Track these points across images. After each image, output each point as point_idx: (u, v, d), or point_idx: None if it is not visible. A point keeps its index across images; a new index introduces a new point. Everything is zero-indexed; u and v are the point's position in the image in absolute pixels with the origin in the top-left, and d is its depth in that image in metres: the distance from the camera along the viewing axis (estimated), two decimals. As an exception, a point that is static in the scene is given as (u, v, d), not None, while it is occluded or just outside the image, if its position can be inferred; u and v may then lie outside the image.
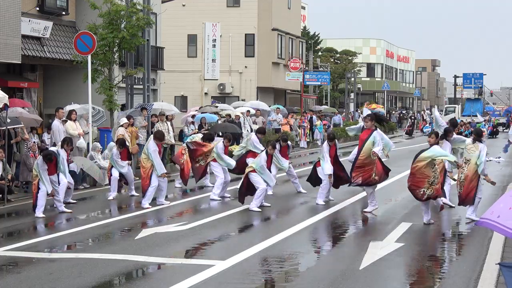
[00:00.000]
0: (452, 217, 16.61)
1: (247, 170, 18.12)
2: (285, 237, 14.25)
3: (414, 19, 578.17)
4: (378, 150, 16.70)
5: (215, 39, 47.97)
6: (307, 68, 63.82)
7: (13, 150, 21.52)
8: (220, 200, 19.41)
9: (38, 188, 17.18)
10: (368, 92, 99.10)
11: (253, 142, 20.87)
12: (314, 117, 46.83)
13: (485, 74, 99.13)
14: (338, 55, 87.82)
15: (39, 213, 16.98)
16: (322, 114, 56.12)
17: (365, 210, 17.27)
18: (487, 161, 32.41)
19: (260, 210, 17.49)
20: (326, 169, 18.44)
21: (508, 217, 6.41)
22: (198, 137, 22.14)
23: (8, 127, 20.73)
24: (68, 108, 24.81)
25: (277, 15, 56.33)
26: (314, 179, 19.53)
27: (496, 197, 20.03)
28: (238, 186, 21.45)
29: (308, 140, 44.13)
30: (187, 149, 20.97)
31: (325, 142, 19.11)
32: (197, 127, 30.89)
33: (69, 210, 17.63)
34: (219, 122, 34.55)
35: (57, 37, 31.71)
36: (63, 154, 18.04)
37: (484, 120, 71.34)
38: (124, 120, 25.08)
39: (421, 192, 15.28)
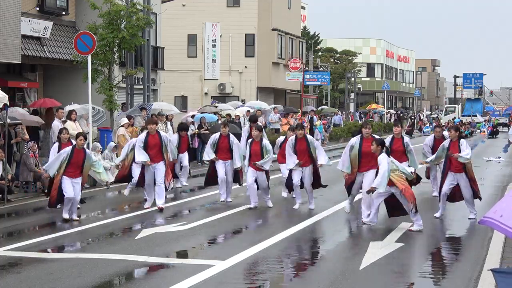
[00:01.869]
0: (452, 217, 16.61)
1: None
2: (284, 237, 14.25)
3: (414, 19, 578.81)
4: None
5: (215, 39, 47.96)
6: (307, 68, 63.79)
7: (13, 150, 21.52)
8: (224, 200, 19.02)
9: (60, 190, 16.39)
10: (368, 92, 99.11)
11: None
12: (315, 117, 46.81)
13: (485, 74, 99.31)
14: (338, 55, 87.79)
15: (66, 214, 16.25)
16: (322, 114, 56.10)
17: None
18: (487, 161, 32.57)
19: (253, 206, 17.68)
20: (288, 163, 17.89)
21: (510, 217, 6.39)
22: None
23: (9, 122, 20.72)
24: (68, 108, 24.81)
25: (277, 15, 56.31)
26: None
27: (496, 197, 20.04)
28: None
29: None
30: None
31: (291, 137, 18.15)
32: (197, 127, 30.88)
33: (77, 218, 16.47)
34: (219, 122, 34.52)
35: (57, 37, 31.73)
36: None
37: (484, 120, 71.44)
38: (124, 120, 25.10)
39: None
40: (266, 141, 18.33)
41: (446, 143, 16.85)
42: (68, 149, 16.44)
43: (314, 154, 17.63)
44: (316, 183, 18.03)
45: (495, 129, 63.87)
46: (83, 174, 16.64)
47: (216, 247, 13.62)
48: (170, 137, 20.27)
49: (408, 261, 12.37)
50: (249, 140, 18.32)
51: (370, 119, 68.36)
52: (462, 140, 16.66)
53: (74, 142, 17.15)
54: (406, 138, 17.68)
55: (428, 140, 19.85)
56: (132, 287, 10.70)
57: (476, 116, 73.82)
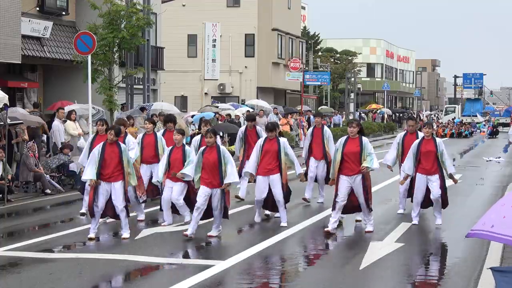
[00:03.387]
0: (451, 216, 16.61)
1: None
2: (285, 237, 14.26)
3: (414, 19, 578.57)
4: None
5: (215, 39, 47.96)
6: (307, 68, 63.81)
7: (13, 150, 21.53)
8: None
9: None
10: (368, 92, 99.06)
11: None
12: (312, 117, 46.79)
13: (485, 74, 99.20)
14: (338, 55, 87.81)
15: (92, 232, 14.07)
16: (324, 114, 56.11)
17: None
18: (487, 161, 32.57)
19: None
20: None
21: (506, 226, 6.38)
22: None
23: (9, 122, 20.74)
24: (68, 108, 24.83)
25: (277, 15, 56.33)
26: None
27: (496, 197, 20.04)
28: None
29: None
30: None
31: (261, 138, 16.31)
32: (197, 127, 30.88)
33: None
34: (219, 122, 34.50)
35: (57, 37, 31.73)
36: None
37: (484, 120, 71.45)
38: (124, 120, 25.07)
39: None
40: (188, 148, 15.40)
41: (416, 143, 15.51)
42: (99, 145, 14.28)
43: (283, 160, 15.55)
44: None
45: (495, 129, 63.90)
46: (124, 176, 14.12)
47: (216, 247, 13.61)
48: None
49: (408, 261, 12.37)
50: (169, 148, 15.41)
51: (374, 120, 68.39)
52: (439, 141, 15.58)
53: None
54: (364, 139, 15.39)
55: (398, 137, 17.41)
56: (132, 287, 10.70)
57: (476, 116, 73.83)
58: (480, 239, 13.85)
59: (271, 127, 15.81)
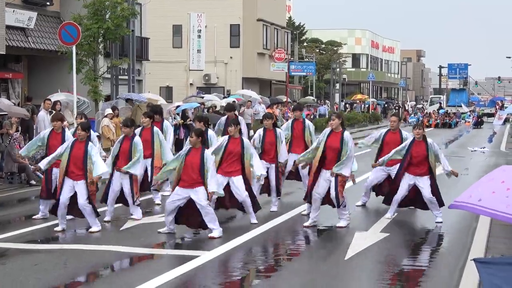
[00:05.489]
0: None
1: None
2: (269, 228, 14.24)
3: (399, 9, 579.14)
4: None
5: (200, 30, 47.87)
6: (292, 58, 63.80)
7: (-2, 140, 21.46)
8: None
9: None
10: (354, 82, 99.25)
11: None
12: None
13: (470, 65, 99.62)
14: (323, 46, 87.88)
15: (60, 227, 14.01)
16: (308, 104, 56.23)
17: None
18: (472, 151, 32.65)
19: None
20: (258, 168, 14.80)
21: (496, 201, 6.37)
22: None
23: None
24: (53, 96, 24.75)
25: (262, 6, 56.27)
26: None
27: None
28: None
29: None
30: None
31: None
32: (180, 117, 30.83)
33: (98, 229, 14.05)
34: (207, 113, 34.39)
35: (41, 28, 31.61)
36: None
37: (470, 111, 71.66)
38: (108, 111, 25.03)
39: None
40: (137, 139, 15.01)
41: (407, 143, 14.82)
42: (70, 142, 13.94)
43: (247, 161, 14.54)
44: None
45: (479, 120, 64.10)
46: (87, 176, 13.72)
47: (201, 238, 13.58)
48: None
49: (394, 251, 12.41)
50: (120, 138, 15.17)
51: (372, 110, 68.42)
52: (430, 142, 14.67)
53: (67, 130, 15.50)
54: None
55: (380, 133, 16.57)
56: (118, 277, 10.69)
57: (461, 106, 74.04)
58: (465, 228, 13.93)
59: (234, 122, 14.84)
